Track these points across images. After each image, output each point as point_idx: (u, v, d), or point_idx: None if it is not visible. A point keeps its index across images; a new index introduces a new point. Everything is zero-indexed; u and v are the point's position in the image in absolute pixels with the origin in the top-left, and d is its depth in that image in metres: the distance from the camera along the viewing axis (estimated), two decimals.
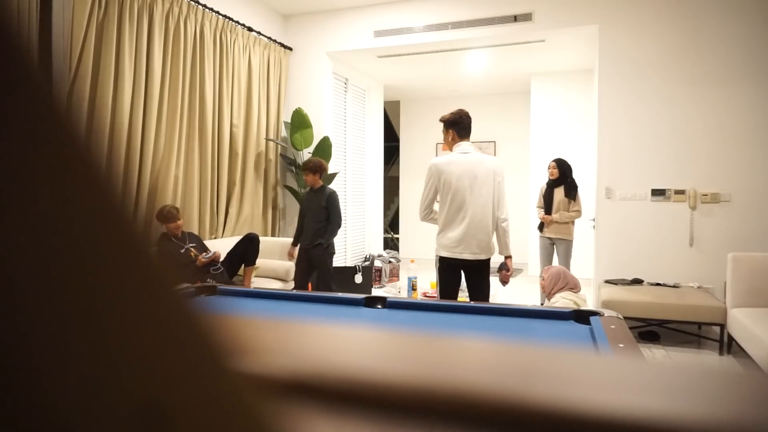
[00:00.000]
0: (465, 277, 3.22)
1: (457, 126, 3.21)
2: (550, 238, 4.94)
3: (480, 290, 3.19)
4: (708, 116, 4.54)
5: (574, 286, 4.11)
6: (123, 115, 3.82)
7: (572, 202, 4.87)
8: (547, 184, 5.03)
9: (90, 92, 3.65)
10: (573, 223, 4.88)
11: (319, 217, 4.21)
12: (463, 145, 3.20)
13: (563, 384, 0.32)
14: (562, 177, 4.94)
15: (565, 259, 4.85)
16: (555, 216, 4.83)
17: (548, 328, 1.94)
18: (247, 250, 4.21)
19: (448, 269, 3.17)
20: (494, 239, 3.18)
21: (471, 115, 3.40)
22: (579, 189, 4.95)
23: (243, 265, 4.24)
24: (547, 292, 4.20)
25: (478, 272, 3.17)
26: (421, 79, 7.56)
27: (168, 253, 4.19)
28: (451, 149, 3.25)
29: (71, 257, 0.14)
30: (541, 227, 5.00)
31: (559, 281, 4.09)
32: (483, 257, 3.11)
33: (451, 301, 2.38)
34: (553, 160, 5.04)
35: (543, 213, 4.97)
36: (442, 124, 3.33)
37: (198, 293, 2.49)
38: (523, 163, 8.12)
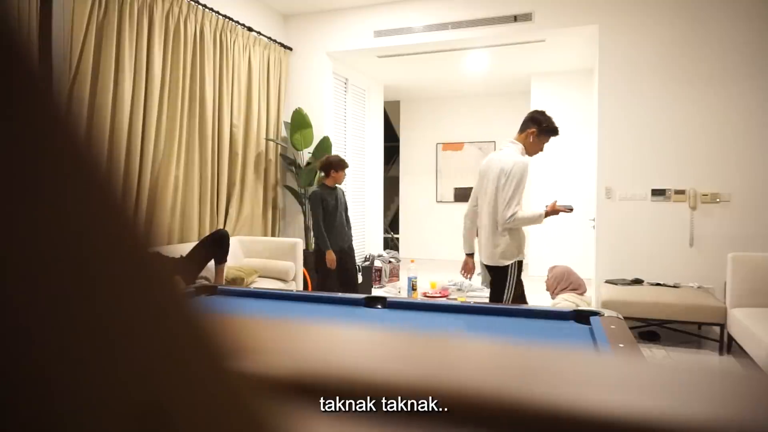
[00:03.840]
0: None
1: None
2: None
3: (493, 294, 3.10)
4: (708, 116, 4.54)
5: (578, 287, 4.10)
6: (123, 115, 3.82)
7: None
8: None
9: (90, 92, 3.65)
10: None
11: (345, 215, 4.29)
12: (504, 141, 3.11)
13: (563, 384, 0.32)
14: None
15: None
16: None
17: (548, 328, 1.94)
18: (215, 250, 4.00)
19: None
20: (504, 244, 2.99)
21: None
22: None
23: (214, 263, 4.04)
24: (551, 291, 4.19)
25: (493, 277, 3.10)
26: (421, 79, 7.56)
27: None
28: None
29: (72, 257, 0.14)
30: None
31: (563, 281, 4.08)
32: (490, 263, 3.03)
33: (451, 301, 2.38)
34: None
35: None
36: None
37: (198, 293, 2.49)
38: None
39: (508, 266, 2.99)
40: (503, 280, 3.02)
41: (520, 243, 3.01)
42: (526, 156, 3.02)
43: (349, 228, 4.36)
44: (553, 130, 3.05)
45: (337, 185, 4.22)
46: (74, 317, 0.14)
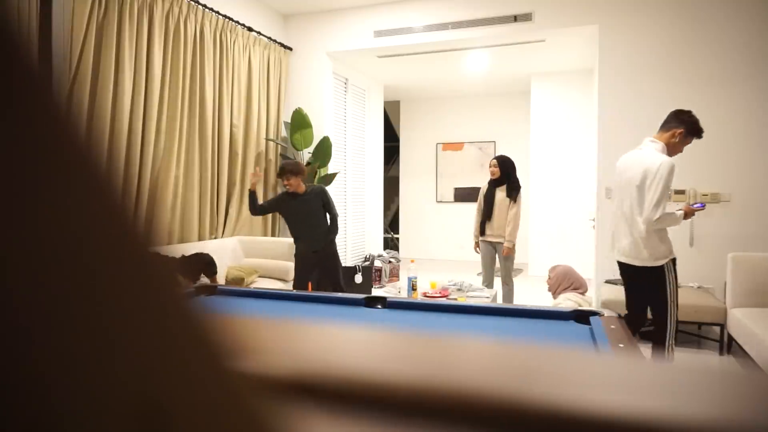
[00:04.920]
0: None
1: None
2: (491, 242, 4.65)
3: (634, 296, 3.05)
4: (708, 116, 4.54)
5: (579, 286, 4.09)
6: (123, 115, 3.82)
7: (512, 203, 4.54)
8: (489, 183, 4.70)
9: (90, 92, 3.65)
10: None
11: (320, 218, 4.04)
12: (643, 140, 3.06)
13: (563, 384, 0.32)
14: (504, 176, 4.60)
15: (506, 263, 4.60)
16: (507, 232, 4.54)
17: (548, 328, 1.94)
18: (204, 269, 3.91)
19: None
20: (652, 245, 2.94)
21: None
22: (521, 190, 4.66)
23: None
24: (553, 291, 4.19)
25: (630, 278, 3.07)
26: (421, 79, 7.56)
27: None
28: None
29: (72, 257, 0.14)
30: (482, 231, 4.67)
31: (564, 281, 4.08)
32: (640, 264, 2.98)
33: (451, 301, 2.38)
34: (494, 158, 4.70)
35: (480, 217, 4.70)
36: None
37: (198, 293, 2.49)
38: (523, 163, 8.13)
39: (663, 266, 2.93)
40: (659, 279, 2.96)
41: (669, 241, 2.98)
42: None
43: (329, 229, 4.09)
44: (699, 132, 2.95)
45: (306, 188, 3.99)
46: (74, 317, 0.14)
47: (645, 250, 2.92)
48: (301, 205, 3.98)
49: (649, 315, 3.06)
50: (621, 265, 3.10)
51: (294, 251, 4.12)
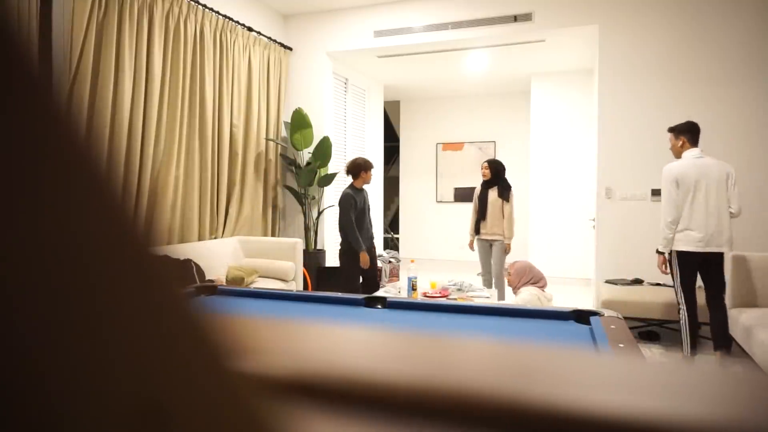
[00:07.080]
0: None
1: (689, 133, 3.59)
2: (486, 240, 4.92)
3: (718, 282, 3.57)
4: (707, 116, 4.54)
5: (538, 281, 4.15)
6: (123, 115, 3.82)
7: (505, 203, 4.82)
8: (481, 184, 5.01)
9: (90, 92, 3.65)
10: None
11: (369, 215, 4.42)
12: (695, 151, 3.57)
13: (563, 384, 0.32)
14: (495, 177, 4.90)
15: (500, 260, 4.84)
16: (505, 229, 4.81)
17: (548, 328, 1.94)
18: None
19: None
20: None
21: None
22: (512, 189, 4.93)
23: None
24: (513, 286, 4.25)
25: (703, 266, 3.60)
26: (421, 79, 7.55)
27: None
28: (679, 156, 3.63)
29: (72, 257, 0.14)
30: (477, 229, 4.96)
31: (525, 275, 4.14)
32: (720, 250, 3.49)
33: (450, 301, 2.38)
34: (486, 162, 5.02)
35: (475, 216, 5.00)
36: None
37: (198, 293, 2.49)
38: (523, 163, 8.12)
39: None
40: (723, 265, 3.53)
41: None
42: None
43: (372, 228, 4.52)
44: None
45: (363, 186, 4.37)
46: (74, 317, 0.14)
47: (731, 239, 3.48)
48: (364, 200, 4.34)
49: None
50: (709, 255, 3.49)
51: (347, 248, 4.25)
